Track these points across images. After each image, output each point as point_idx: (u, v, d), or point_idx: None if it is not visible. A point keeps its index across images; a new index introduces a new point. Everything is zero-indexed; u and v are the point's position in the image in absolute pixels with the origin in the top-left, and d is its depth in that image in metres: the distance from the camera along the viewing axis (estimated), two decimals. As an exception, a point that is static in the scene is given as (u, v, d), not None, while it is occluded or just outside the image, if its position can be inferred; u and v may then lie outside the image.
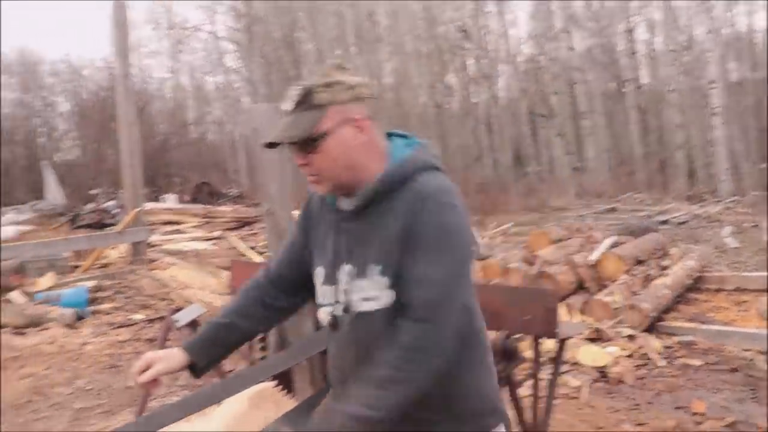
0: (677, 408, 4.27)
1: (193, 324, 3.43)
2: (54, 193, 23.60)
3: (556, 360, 2.75)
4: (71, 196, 24.14)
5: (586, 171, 23.86)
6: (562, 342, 2.76)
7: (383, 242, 1.49)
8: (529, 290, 3.15)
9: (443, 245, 1.44)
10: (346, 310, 1.56)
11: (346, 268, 1.56)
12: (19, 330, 6.72)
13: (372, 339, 1.50)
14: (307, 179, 1.58)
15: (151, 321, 7.09)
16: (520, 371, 2.67)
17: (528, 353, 2.62)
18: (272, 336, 2.67)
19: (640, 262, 6.68)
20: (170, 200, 17.10)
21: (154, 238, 9.79)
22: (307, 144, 1.52)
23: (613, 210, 16.15)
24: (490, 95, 25.64)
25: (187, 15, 39.22)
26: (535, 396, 2.66)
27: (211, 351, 1.72)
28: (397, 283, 1.47)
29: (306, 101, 1.52)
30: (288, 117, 1.54)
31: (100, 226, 16.03)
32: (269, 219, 2.31)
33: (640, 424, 3.97)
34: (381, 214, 1.52)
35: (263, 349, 3.20)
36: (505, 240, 11.92)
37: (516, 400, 2.46)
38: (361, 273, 1.53)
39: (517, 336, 2.42)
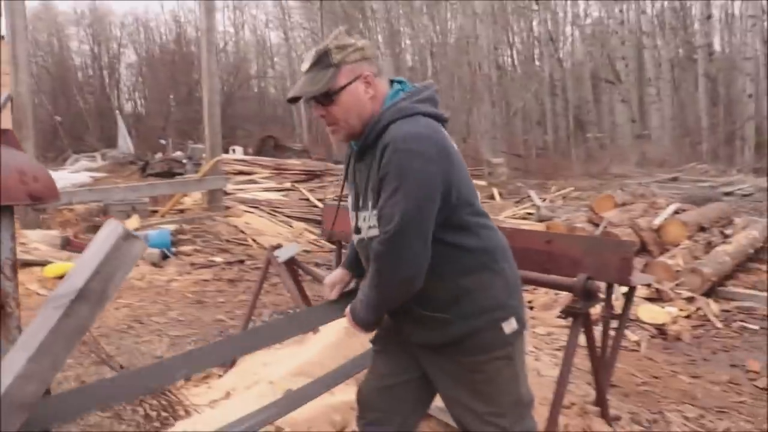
0: (732, 366, 4.48)
1: (290, 260, 3.82)
2: (125, 142, 24.42)
3: (626, 304, 3.03)
4: (140, 145, 25.00)
5: (649, 139, 23.47)
6: (632, 289, 3.04)
7: (371, 182, 1.83)
8: (608, 240, 3.40)
9: (400, 186, 1.72)
10: (358, 232, 1.95)
11: (350, 200, 2.00)
12: (110, 266, 7.27)
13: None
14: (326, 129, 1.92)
15: (230, 263, 7.58)
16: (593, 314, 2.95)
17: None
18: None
19: (702, 229, 6.81)
20: (237, 152, 17.63)
21: (228, 186, 10.28)
22: (325, 97, 1.82)
23: (675, 179, 16.00)
24: (555, 59, 25.29)
25: (254, -31, 39.38)
26: (604, 335, 2.94)
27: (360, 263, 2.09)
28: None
29: (322, 61, 1.82)
30: (306, 75, 1.84)
31: (170, 174, 16.58)
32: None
33: (694, 377, 4.21)
34: (371, 157, 1.84)
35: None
36: (565, 203, 12.07)
37: (590, 337, 2.74)
38: (363, 206, 1.91)
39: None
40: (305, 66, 1.85)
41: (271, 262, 3.75)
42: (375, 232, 1.84)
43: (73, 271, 1.31)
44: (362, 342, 2.90)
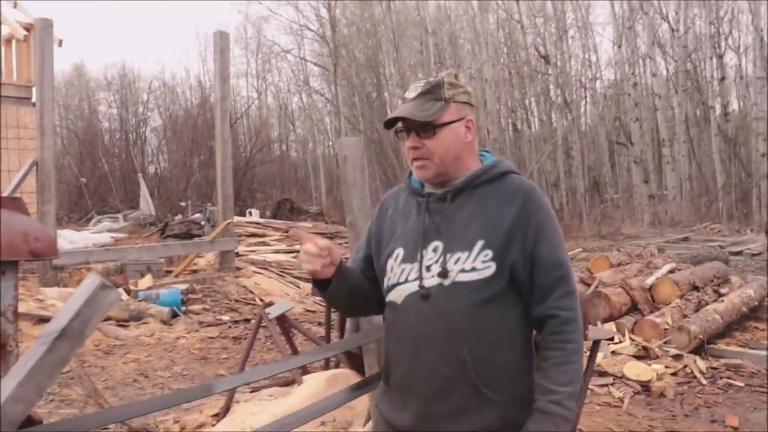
0: (712, 421, 4.62)
1: (281, 317, 4.09)
2: (146, 204, 25.06)
3: (589, 358, 3.24)
4: (161, 207, 25.65)
5: (663, 199, 23.64)
6: (595, 344, 3.26)
7: (487, 222, 1.70)
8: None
9: (559, 233, 1.74)
10: (443, 276, 1.69)
11: (433, 245, 1.74)
12: (123, 323, 7.57)
13: (465, 307, 1.67)
14: (411, 163, 1.78)
15: (236, 322, 7.85)
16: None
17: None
18: (349, 323, 3.26)
19: (696, 288, 6.97)
20: (254, 215, 18.08)
21: (240, 248, 10.63)
22: (427, 128, 1.73)
23: (685, 239, 16.14)
24: (570, 121, 25.75)
25: (276, 39, 40.86)
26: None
27: (347, 280, 1.83)
28: (500, 257, 1.67)
29: (433, 92, 1.75)
30: (413, 102, 1.76)
31: (188, 236, 16.98)
32: (351, 230, 2.88)
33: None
34: (478, 199, 1.74)
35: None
36: (572, 265, 12.26)
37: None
38: (458, 247, 1.70)
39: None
40: (413, 93, 1.78)
41: (263, 319, 4.02)
42: (475, 276, 1.67)
43: (59, 313, 1.61)
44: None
